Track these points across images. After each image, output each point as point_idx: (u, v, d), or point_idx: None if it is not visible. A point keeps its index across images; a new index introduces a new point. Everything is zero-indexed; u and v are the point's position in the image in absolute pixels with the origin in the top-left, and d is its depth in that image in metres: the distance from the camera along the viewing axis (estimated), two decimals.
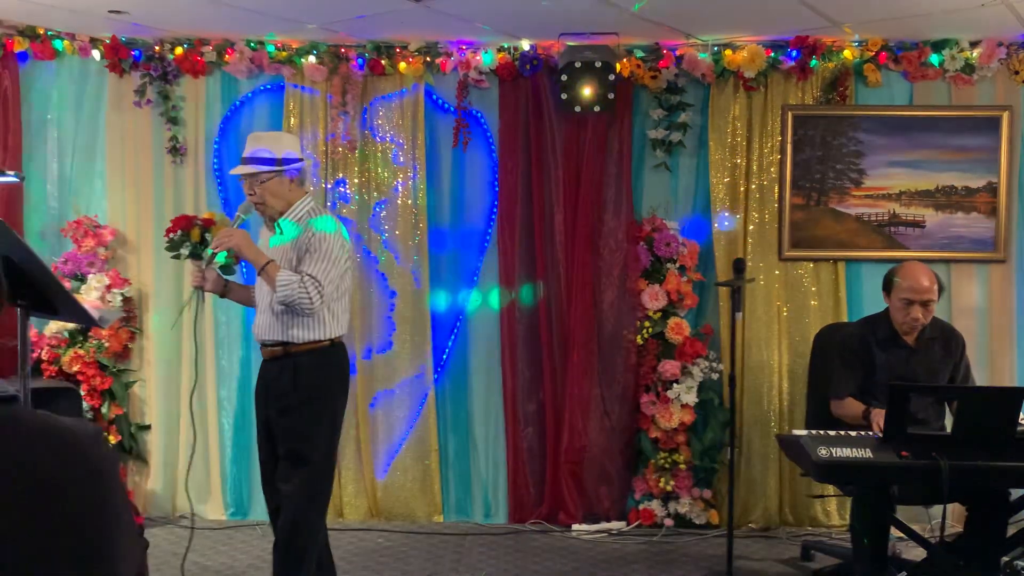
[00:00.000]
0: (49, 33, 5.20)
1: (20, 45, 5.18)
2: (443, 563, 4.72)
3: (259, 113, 5.39)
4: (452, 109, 5.38)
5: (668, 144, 5.31)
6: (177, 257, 3.80)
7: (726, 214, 5.30)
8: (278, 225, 3.69)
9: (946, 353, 4.20)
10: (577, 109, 5.12)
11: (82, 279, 5.22)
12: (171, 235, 3.74)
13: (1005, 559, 3.95)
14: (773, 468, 5.29)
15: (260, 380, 3.77)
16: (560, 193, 5.31)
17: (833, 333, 4.61)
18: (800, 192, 5.28)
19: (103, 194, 5.40)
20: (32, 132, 5.32)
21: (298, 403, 3.62)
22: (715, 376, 5.24)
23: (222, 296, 3.88)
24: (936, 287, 4.07)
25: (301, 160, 3.74)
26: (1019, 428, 3.45)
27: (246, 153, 3.70)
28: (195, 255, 3.70)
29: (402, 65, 5.29)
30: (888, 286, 4.15)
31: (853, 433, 3.61)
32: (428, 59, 5.30)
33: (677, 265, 5.28)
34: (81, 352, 5.14)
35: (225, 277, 3.81)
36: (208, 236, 3.69)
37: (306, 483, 3.63)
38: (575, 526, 5.27)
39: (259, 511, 5.17)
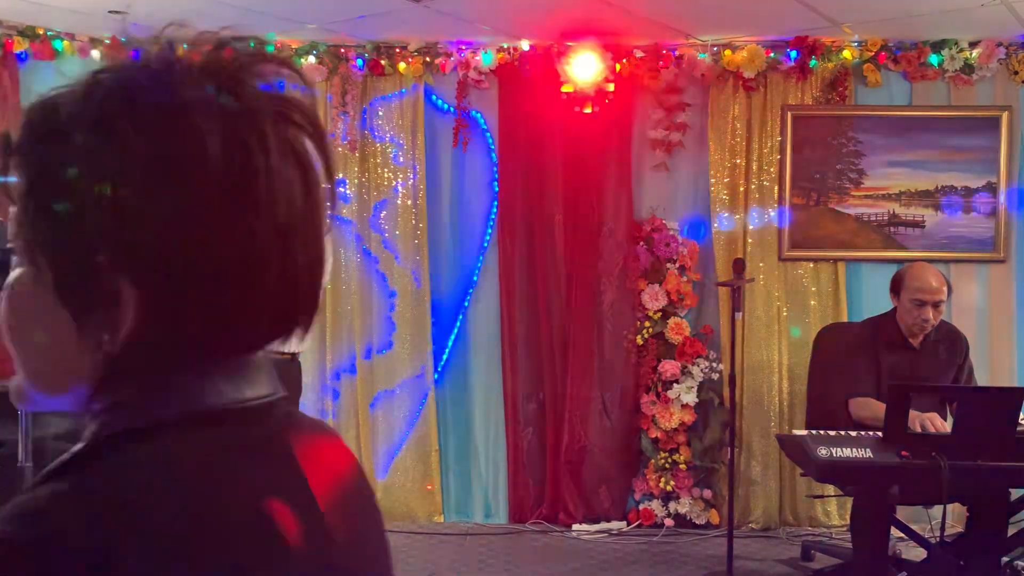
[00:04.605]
0: (49, 33, 5.20)
1: (20, 45, 5.17)
2: (443, 563, 4.71)
3: None
4: (452, 109, 5.38)
5: (668, 144, 5.31)
6: None
7: (726, 214, 5.30)
8: None
9: (951, 355, 4.16)
10: (576, 109, 5.13)
11: None
12: None
13: (1005, 559, 3.95)
14: (773, 468, 5.29)
15: None
16: (560, 193, 5.31)
17: (837, 333, 4.59)
18: (800, 192, 5.28)
19: None
20: None
21: None
22: (715, 376, 5.24)
23: None
24: (945, 288, 4.05)
25: None
26: (1019, 428, 3.45)
27: None
28: None
29: (402, 65, 5.29)
30: (897, 288, 4.09)
31: (853, 433, 3.61)
32: (428, 59, 5.30)
33: (677, 265, 5.28)
34: None
35: None
36: None
37: None
38: (575, 526, 5.27)
39: None
